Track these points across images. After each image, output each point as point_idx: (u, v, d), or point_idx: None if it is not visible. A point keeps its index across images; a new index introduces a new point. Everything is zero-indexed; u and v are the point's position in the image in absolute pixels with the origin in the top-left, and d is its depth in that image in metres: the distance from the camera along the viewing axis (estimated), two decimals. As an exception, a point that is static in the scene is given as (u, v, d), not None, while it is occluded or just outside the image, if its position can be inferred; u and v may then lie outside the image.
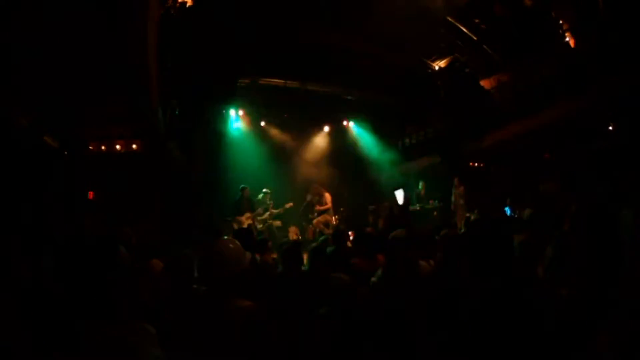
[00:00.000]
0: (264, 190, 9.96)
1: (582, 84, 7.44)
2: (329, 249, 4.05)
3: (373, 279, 3.34)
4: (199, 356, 1.82)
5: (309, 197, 10.11)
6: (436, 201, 10.62)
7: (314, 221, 9.77)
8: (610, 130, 7.80)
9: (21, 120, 5.27)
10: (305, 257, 3.80)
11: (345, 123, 13.48)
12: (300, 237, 10.84)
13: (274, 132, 12.69)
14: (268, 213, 9.74)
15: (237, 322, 1.89)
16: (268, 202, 9.86)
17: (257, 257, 4.21)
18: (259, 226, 9.43)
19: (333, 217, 9.77)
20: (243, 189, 9.37)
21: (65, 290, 1.86)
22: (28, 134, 5.42)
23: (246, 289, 2.06)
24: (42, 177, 5.82)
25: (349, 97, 12.26)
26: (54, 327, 1.49)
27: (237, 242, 2.21)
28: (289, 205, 10.11)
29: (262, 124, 12.38)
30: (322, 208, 9.48)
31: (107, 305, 1.35)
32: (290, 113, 12.63)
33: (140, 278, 2.85)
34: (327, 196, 9.44)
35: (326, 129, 13.35)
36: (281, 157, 12.47)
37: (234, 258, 2.01)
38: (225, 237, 3.13)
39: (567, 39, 7.94)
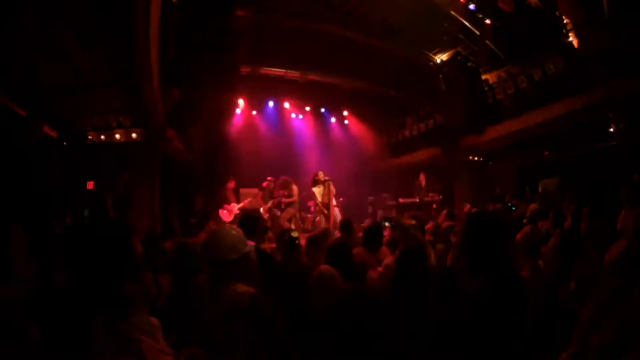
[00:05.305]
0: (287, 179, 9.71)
1: (584, 84, 7.43)
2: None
3: (380, 269, 3.37)
4: (201, 345, 1.82)
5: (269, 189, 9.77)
6: (436, 193, 10.64)
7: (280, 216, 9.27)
8: (611, 131, 7.81)
9: (20, 111, 5.22)
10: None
11: (346, 114, 13.44)
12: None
13: (274, 121, 12.65)
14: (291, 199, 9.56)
15: (238, 307, 1.89)
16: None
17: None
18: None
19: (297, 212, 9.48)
20: (229, 179, 9.25)
21: (75, 284, 1.86)
22: (27, 125, 5.37)
23: (245, 276, 2.05)
24: (42, 168, 5.79)
25: (350, 88, 12.19)
26: (62, 322, 1.49)
27: (238, 229, 2.20)
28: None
29: (262, 113, 12.31)
30: (288, 201, 9.21)
31: (120, 298, 1.34)
32: (291, 103, 12.59)
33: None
34: (294, 189, 9.20)
35: (327, 119, 13.31)
36: (280, 147, 12.44)
37: (233, 245, 2.00)
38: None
39: (571, 38, 7.90)
